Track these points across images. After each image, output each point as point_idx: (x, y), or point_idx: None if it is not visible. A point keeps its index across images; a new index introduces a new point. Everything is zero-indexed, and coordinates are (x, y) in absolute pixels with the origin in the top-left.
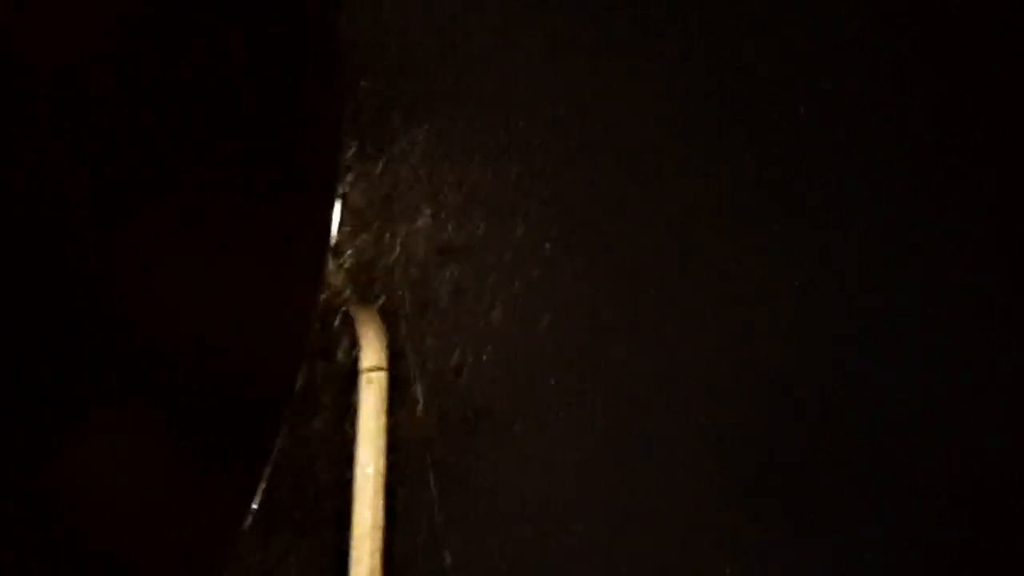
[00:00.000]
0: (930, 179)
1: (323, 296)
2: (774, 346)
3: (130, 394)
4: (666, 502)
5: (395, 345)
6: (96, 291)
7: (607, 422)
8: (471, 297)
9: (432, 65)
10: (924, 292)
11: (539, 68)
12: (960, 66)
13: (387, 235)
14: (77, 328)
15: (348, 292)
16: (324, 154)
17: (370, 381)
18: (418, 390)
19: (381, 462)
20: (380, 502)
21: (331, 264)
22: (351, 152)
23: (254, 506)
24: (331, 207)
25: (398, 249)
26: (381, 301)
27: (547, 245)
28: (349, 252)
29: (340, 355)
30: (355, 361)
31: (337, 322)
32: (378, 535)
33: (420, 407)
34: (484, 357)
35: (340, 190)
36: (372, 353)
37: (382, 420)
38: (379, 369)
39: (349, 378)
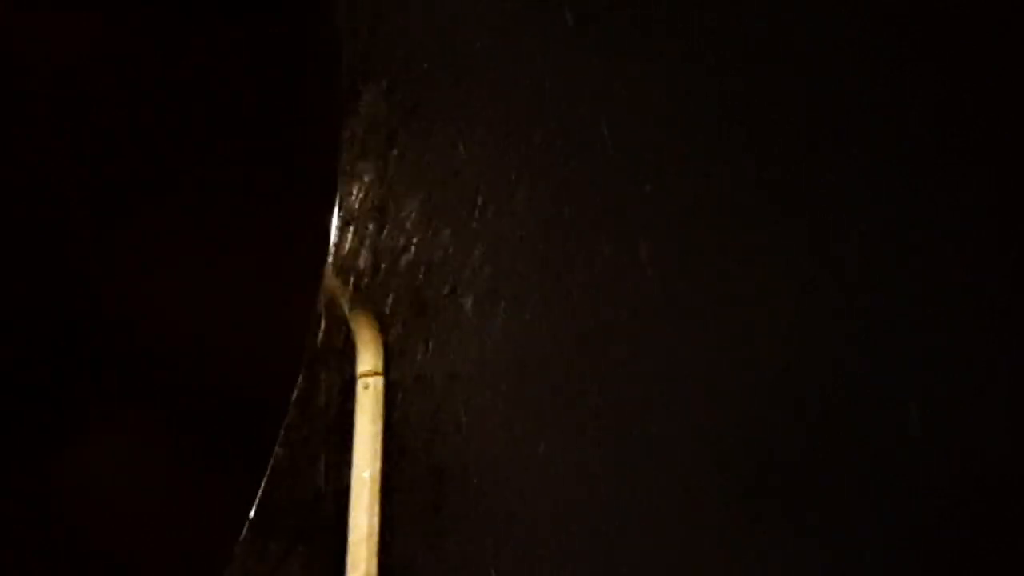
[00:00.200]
0: (930, 179)
1: (320, 301)
2: (774, 346)
3: (129, 395)
4: (665, 503)
5: (392, 350)
6: (96, 291)
7: (605, 424)
8: (468, 301)
9: (432, 68)
10: (924, 292)
11: (540, 70)
12: (960, 66)
13: (385, 240)
14: (77, 328)
15: (345, 297)
16: (324, 155)
17: (366, 386)
18: (414, 395)
19: (377, 467)
20: (377, 507)
21: (329, 269)
22: (350, 156)
23: (253, 508)
24: (331, 208)
25: (395, 253)
26: (378, 306)
27: (546, 247)
28: (346, 257)
29: (337, 360)
30: (352, 366)
31: (334, 327)
32: (374, 540)
33: (416, 412)
34: (481, 361)
35: (339, 192)
36: (369, 358)
37: (378, 425)
38: (375, 374)
39: (346, 383)
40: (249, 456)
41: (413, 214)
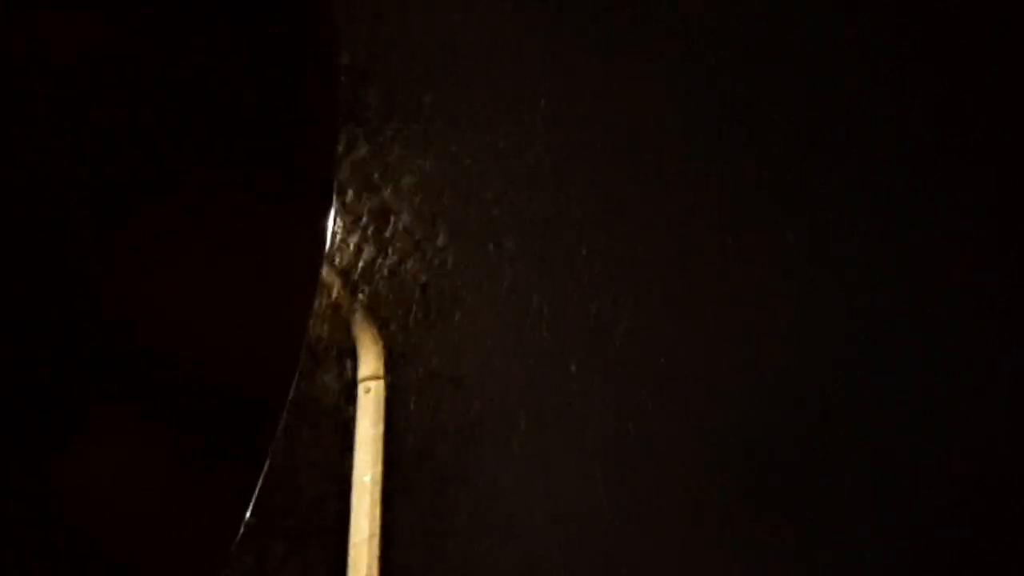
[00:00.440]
0: (930, 179)
1: (321, 305)
2: (774, 346)
3: (129, 395)
4: (665, 505)
5: (392, 354)
6: (96, 291)
7: (605, 428)
8: (469, 305)
9: (433, 69)
10: (924, 292)
11: (540, 72)
12: (960, 66)
13: (385, 244)
14: (77, 328)
15: (347, 302)
16: (322, 155)
17: (367, 390)
18: (415, 399)
19: (378, 471)
20: (377, 511)
21: (329, 273)
22: (352, 158)
23: (250, 509)
24: (329, 208)
25: (396, 258)
26: (379, 311)
27: (546, 251)
28: (347, 261)
29: (338, 364)
30: (353, 370)
31: (336, 331)
32: (375, 543)
33: (417, 415)
34: (481, 365)
35: (340, 196)
36: (369, 362)
37: (379, 429)
38: (376, 378)
39: (347, 387)
40: (247, 456)
41: (415, 218)
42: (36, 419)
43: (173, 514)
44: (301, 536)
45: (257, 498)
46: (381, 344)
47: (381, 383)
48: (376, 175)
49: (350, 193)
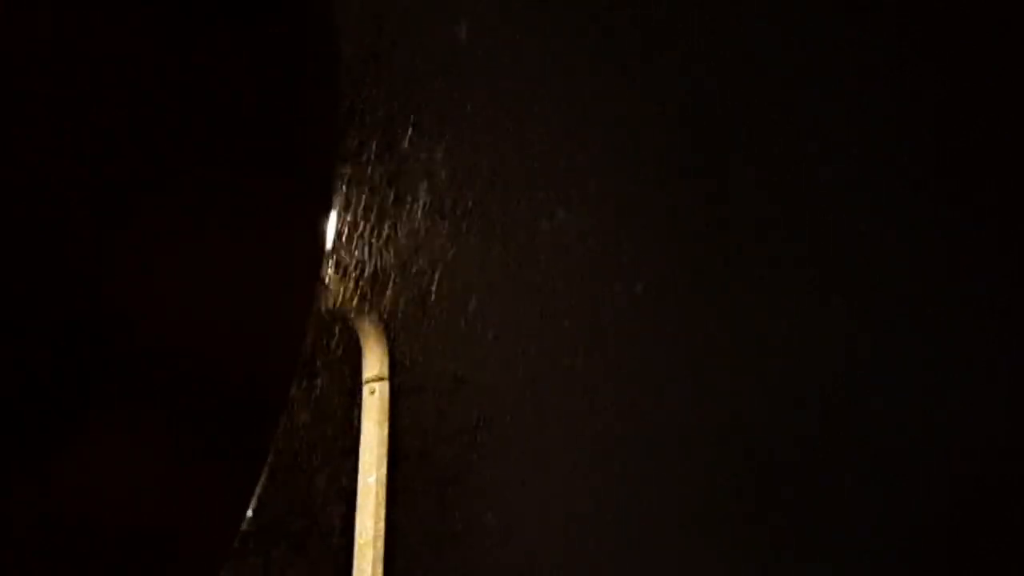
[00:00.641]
0: (930, 179)
1: (326, 307)
2: (774, 347)
3: (128, 394)
4: (666, 505)
5: (397, 355)
6: (96, 291)
7: (607, 429)
8: (472, 307)
9: (435, 71)
10: (924, 292)
11: (541, 78)
12: (960, 66)
13: (389, 246)
14: (76, 328)
15: (351, 303)
16: (323, 155)
17: (372, 391)
18: (420, 400)
19: (383, 472)
20: (382, 512)
21: (334, 275)
22: (354, 160)
23: (251, 509)
24: (329, 207)
25: (400, 259)
26: (383, 311)
27: (547, 254)
28: (351, 263)
29: (342, 365)
30: (358, 371)
31: (339, 332)
32: (380, 544)
33: (422, 417)
34: (485, 366)
35: (340, 190)
36: (374, 363)
37: (384, 430)
38: (381, 379)
39: (352, 388)
40: (248, 455)
41: (418, 220)
42: (36, 419)
43: (173, 514)
44: (306, 537)
45: (263, 500)
46: (386, 346)
47: (386, 385)
48: (380, 177)
49: (354, 195)
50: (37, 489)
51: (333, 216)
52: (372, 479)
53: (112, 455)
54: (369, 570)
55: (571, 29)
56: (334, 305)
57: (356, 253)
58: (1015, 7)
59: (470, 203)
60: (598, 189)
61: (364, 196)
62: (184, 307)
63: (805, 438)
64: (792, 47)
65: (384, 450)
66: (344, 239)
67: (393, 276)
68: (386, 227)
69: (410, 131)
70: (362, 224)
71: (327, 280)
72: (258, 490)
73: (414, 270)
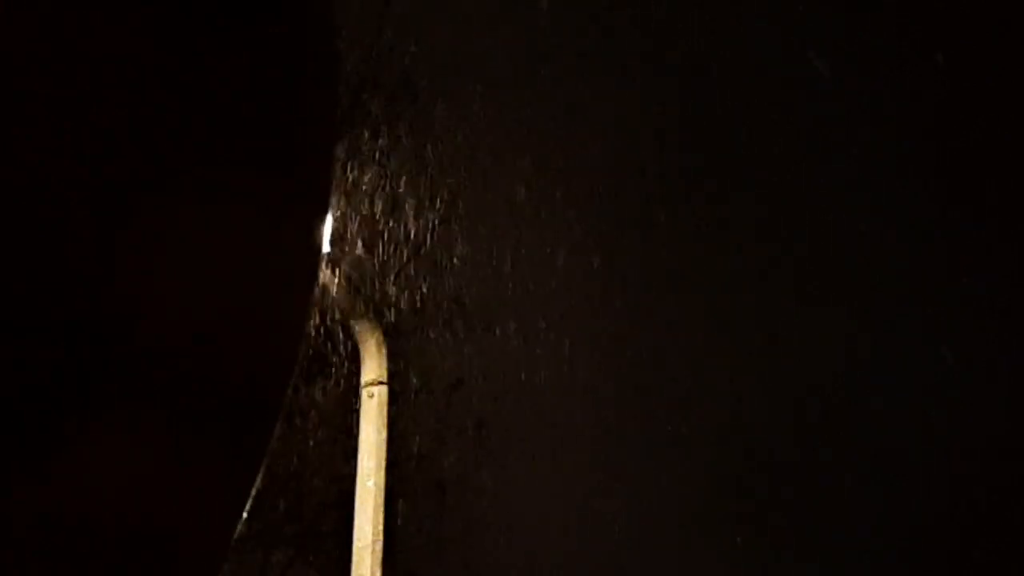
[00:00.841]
0: (930, 179)
1: (324, 311)
2: (774, 348)
3: (128, 395)
4: (666, 506)
5: (396, 359)
6: (95, 291)
7: (606, 431)
8: (471, 311)
9: (436, 74)
10: (924, 292)
11: (546, 77)
12: (960, 66)
13: (388, 250)
14: (76, 328)
15: (350, 307)
16: (322, 155)
17: (371, 395)
18: (418, 403)
19: (381, 476)
20: (381, 515)
21: (332, 279)
22: (354, 164)
23: (247, 510)
24: (326, 208)
25: (399, 263)
26: (382, 316)
27: (547, 258)
28: (350, 267)
29: (341, 369)
30: (356, 375)
31: (338, 337)
32: (379, 548)
33: (420, 421)
34: (484, 370)
35: (339, 193)
36: (373, 367)
37: (383, 434)
38: (380, 383)
39: (350, 392)
40: (245, 456)
41: (417, 224)
42: (36, 419)
43: (173, 514)
44: (305, 541)
45: (262, 504)
46: (384, 350)
47: (384, 388)
48: (378, 180)
49: (353, 198)
50: (37, 489)
51: (330, 218)
52: (371, 483)
53: (112, 455)
54: (368, 573)
55: (571, 29)
56: (332, 309)
57: (355, 257)
58: (1015, 7)
59: (469, 207)
60: (597, 189)
61: (362, 199)
62: (183, 307)
63: (805, 438)
64: (792, 47)
65: (383, 454)
66: (342, 243)
67: (391, 281)
68: (385, 231)
69: (409, 134)
70: (361, 228)
71: (325, 284)
72: (255, 491)
73: (412, 274)
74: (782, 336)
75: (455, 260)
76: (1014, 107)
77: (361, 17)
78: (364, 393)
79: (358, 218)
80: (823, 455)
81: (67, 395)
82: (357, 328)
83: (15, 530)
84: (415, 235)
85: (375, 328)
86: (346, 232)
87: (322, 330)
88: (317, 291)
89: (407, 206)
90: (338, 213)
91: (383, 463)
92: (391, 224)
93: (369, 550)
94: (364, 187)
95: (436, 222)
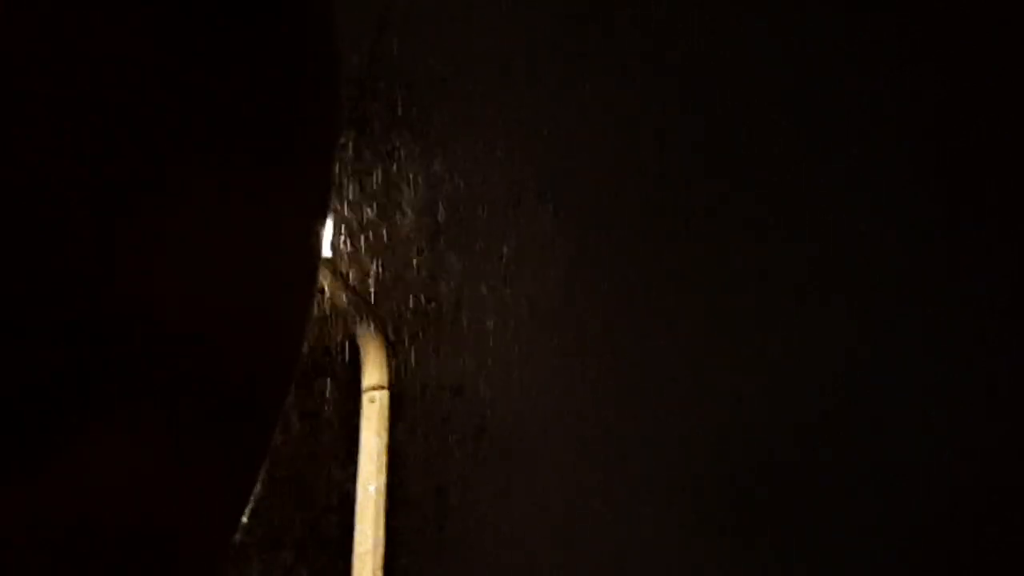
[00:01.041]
0: (930, 179)
1: (326, 315)
2: (774, 349)
3: (128, 395)
4: (666, 509)
5: (397, 364)
6: (95, 292)
7: (606, 437)
8: (472, 317)
9: (437, 80)
10: (924, 292)
11: (546, 82)
12: (960, 66)
13: (390, 255)
14: (76, 329)
15: (351, 311)
16: (323, 156)
17: (372, 400)
18: (420, 408)
19: (383, 481)
20: (382, 520)
21: (334, 283)
22: (356, 168)
23: (248, 518)
24: (327, 208)
25: (400, 268)
26: (384, 320)
27: (547, 265)
28: (353, 272)
29: (342, 374)
30: (357, 380)
31: (340, 341)
32: (380, 553)
33: (421, 425)
34: (485, 376)
35: (340, 196)
36: (374, 371)
37: (384, 438)
38: (381, 388)
39: (351, 397)
40: (246, 457)
41: (419, 228)
42: (36, 419)
43: (173, 514)
44: (306, 546)
45: (263, 509)
46: (386, 355)
47: (386, 393)
48: (380, 186)
49: (355, 204)
50: (37, 489)
51: (330, 222)
52: (372, 488)
53: (112, 455)
54: None
55: (571, 30)
56: (334, 313)
57: (356, 262)
58: (1015, 7)
59: (470, 211)
60: (596, 192)
61: (364, 203)
62: (183, 307)
63: (805, 438)
64: (792, 47)
65: (384, 459)
66: (343, 247)
67: (394, 285)
68: (385, 235)
69: (410, 138)
70: (361, 232)
71: (326, 288)
72: (256, 492)
73: (414, 278)
74: (782, 336)
75: (457, 265)
76: (1014, 107)
77: (363, 19)
78: (365, 398)
79: (360, 222)
80: (823, 455)
81: (67, 395)
82: (358, 333)
83: (15, 530)
84: (417, 239)
85: (376, 333)
86: (347, 236)
87: (323, 334)
88: (318, 295)
89: (409, 210)
90: (339, 217)
91: (384, 468)
92: (393, 228)
93: (370, 555)
94: (366, 191)
95: (438, 226)
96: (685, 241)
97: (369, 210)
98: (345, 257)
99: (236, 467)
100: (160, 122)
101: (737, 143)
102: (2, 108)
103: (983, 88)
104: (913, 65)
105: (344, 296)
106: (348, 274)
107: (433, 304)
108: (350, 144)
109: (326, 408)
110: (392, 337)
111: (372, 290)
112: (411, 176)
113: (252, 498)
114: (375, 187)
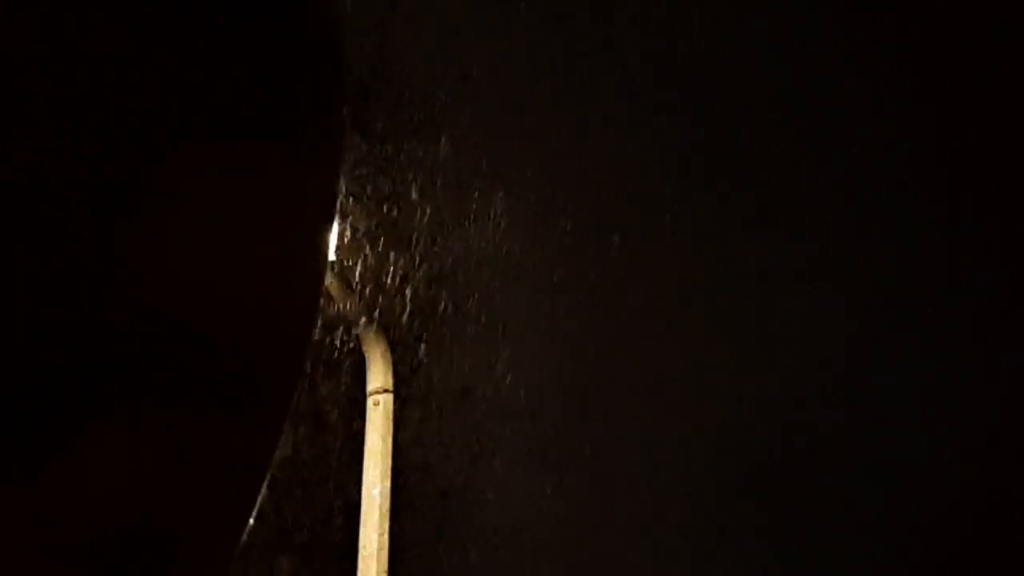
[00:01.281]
0: (930, 179)
1: (330, 319)
2: (774, 349)
3: (130, 395)
4: (667, 514)
5: (401, 368)
6: (95, 292)
7: (609, 439)
8: (476, 320)
9: (440, 83)
10: (923, 292)
11: (549, 85)
12: (960, 66)
13: (394, 259)
14: (76, 329)
15: (355, 315)
16: (325, 158)
17: (376, 403)
18: (424, 412)
19: (387, 484)
20: (386, 524)
21: (338, 287)
22: (360, 172)
23: (254, 514)
24: (332, 209)
25: (405, 273)
26: (388, 325)
27: (552, 270)
28: (356, 276)
29: (347, 377)
30: (362, 383)
31: (344, 345)
32: (384, 556)
33: (426, 429)
34: (489, 378)
35: (344, 201)
36: (378, 375)
37: (388, 442)
38: (385, 391)
39: (356, 400)
40: (251, 459)
41: (424, 231)
42: (36, 419)
43: (174, 514)
44: (311, 550)
45: (268, 512)
46: (390, 358)
47: (390, 397)
48: (384, 190)
49: (359, 209)
50: (37, 489)
51: (336, 226)
52: (376, 491)
53: (112, 455)
54: None
55: (572, 31)
56: (338, 317)
57: (360, 265)
58: (1015, 7)
59: (474, 214)
60: (599, 192)
61: (368, 207)
62: (184, 309)
63: (805, 438)
64: (792, 48)
65: (388, 462)
66: (348, 251)
67: (398, 289)
68: (390, 239)
69: (414, 141)
70: (366, 236)
71: (331, 292)
72: (261, 494)
73: (418, 283)
74: (782, 336)
75: (462, 268)
76: (1014, 107)
77: (366, 24)
78: (370, 401)
79: (364, 226)
80: (823, 455)
81: (67, 395)
82: (363, 336)
83: (15, 530)
84: (422, 243)
85: (381, 336)
86: (352, 240)
87: (327, 338)
88: (323, 298)
89: (415, 214)
90: (344, 221)
91: (388, 471)
92: (398, 232)
93: (374, 559)
94: (370, 195)
95: (444, 230)
96: (686, 240)
97: (375, 213)
98: (348, 259)
99: (238, 468)
100: (160, 122)
101: (737, 143)
102: (2, 108)
103: (983, 88)
104: (913, 65)
105: (349, 299)
106: (353, 278)
107: (439, 309)
108: (355, 147)
109: (330, 411)
110: (397, 341)
111: (376, 293)
112: (417, 179)
113: (257, 503)
114: (381, 190)
